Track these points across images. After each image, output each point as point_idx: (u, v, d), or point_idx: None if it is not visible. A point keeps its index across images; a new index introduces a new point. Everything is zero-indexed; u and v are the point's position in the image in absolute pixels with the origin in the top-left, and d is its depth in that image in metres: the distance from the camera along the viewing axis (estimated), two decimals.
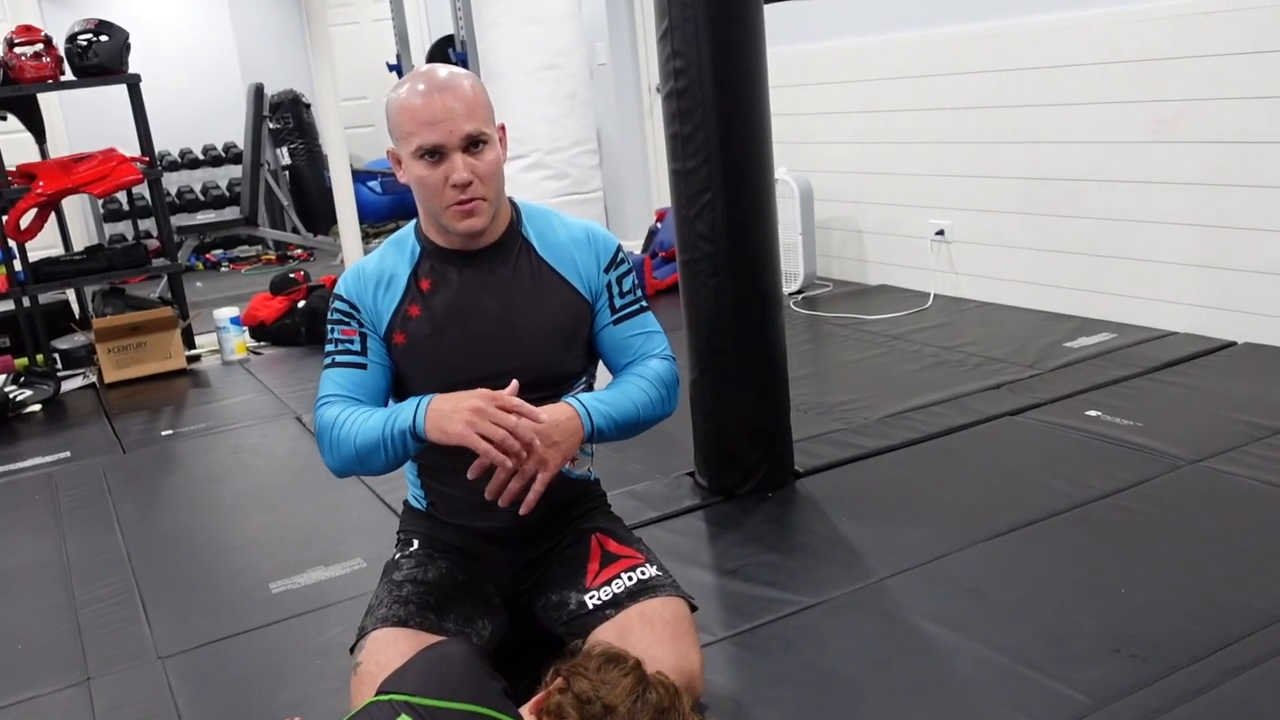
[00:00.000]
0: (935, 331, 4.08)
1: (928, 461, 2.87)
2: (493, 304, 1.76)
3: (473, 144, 1.65)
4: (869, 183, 4.84)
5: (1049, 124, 3.96)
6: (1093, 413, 3.05)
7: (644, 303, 1.90)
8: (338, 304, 1.78)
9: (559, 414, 1.70)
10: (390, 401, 1.82)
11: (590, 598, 1.79)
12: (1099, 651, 1.92)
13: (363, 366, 1.75)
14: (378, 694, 1.39)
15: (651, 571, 1.85)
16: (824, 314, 4.53)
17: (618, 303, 1.84)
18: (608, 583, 1.81)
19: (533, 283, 1.77)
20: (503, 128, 1.72)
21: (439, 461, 1.84)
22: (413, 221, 1.83)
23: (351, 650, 1.73)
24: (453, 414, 1.58)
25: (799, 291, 4.88)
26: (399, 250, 1.80)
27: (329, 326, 1.79)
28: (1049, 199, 4.04)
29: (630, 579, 1.82)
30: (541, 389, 1.79)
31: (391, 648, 1.64)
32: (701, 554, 2.47)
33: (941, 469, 2.81)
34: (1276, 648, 1.87)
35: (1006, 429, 3.03)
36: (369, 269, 1.79)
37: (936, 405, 3.25)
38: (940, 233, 4.52)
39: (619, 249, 1.86)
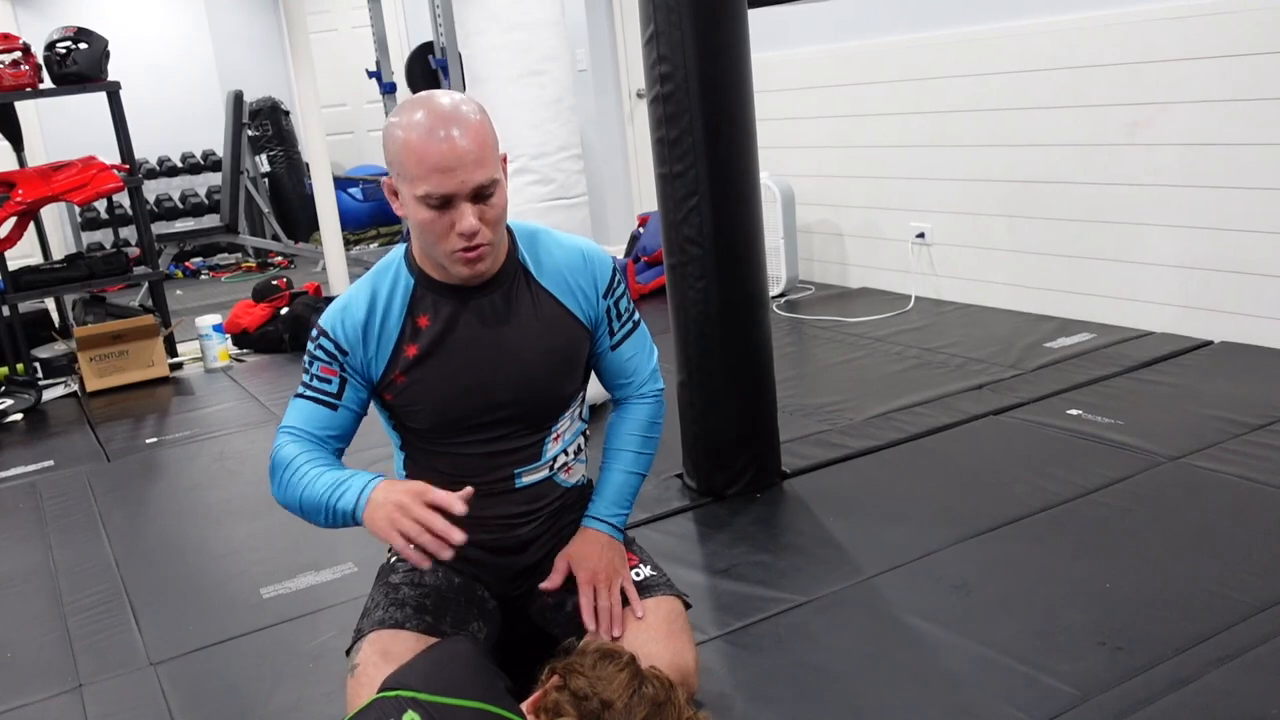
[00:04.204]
0: (917, 333, 4.12)
1: (913, 461, 2.90)
2: (492, 337, 1.71)
3: (482, 190, 1.56)
4: (850, 186, 4.88)
5: (1027, 127, 4.01)
6: (1074, 411, 3.09)
7: (637, 316, 1.89)
8: (324, 341, 1.69)
9: (594, 544, 1.85)
10: (389, 428, 1.83)
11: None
12: (1085, 644, 1.95)
13: (334, 408, 1.70)
14: (382, 690, 1.40)
15: (646, 571, 1.88)
16: (806, 317, 4.56)
17: (616, 326, 1.83)
18: None
19: (532, 312, 1.74)
20: (504, 158, 1.63)
21: (431, 481, 1.84)
22: (400, 248, 1.75)
23: (348, 653, 1.74)
24: (378, 510, 1.54)
25: (781, 295, 4.92)
26: (389, 284, 1.70)
27: (308, 358, 1.71)
28: (1028, 201, 4.10)
29: None
30: (540, 417, 1.80)
31: (389, 650, 1.65)
32: (692, 554, 2.49)
33: (926, 468, 2.84)
34: (1258, 638, 1.91)
35: (989, 428, 3.07)
36: (359, 308, 1.69)
37: (920, 406, 3.29)
38: (921, 235, 4.57)
39: (615, 270, 1.82)
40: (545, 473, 1.84)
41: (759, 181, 2.64)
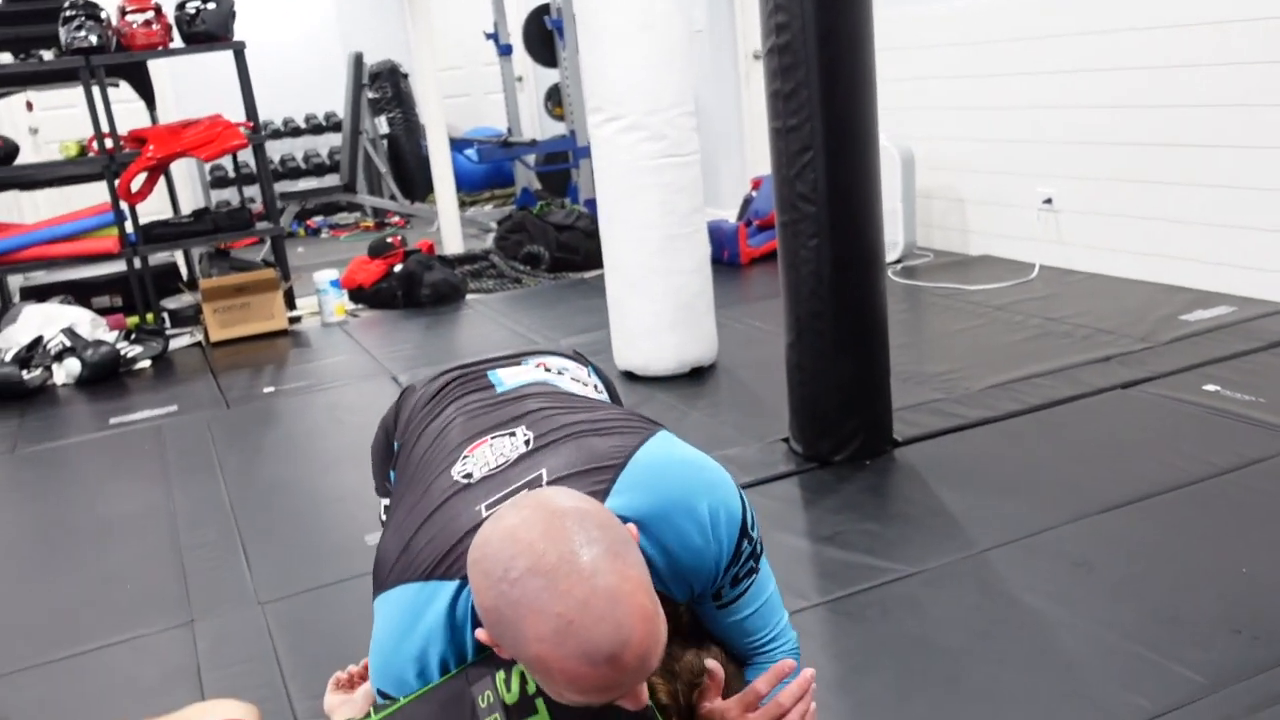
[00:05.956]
0: (1040, 303, 3.94)
1: (1032, 433, 2.77)
2: None
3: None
4: (973, 150, 4.69)
5: (1166, 87, 3.77)
6: (1210, 387, 2.90)
7: (756, 562, 1.38)
8: None
9: None
10: None
11: None
12: (1218, 632, 1.82)
13: None
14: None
15: None
16: (923, 284, 4.41)
17: (726, 595, 1.36)
18: None
19: None
20: (633, 533, 1.19)
21: None
22: (439, 615, 1.25)
23: None
24: None
25: (898, 261, 4.77)
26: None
27: None
28: (1165, 166, 3.86)
29: None
30: None
31: None
32: (795, 520, 2.43)
33: (1047, 441, 2.71)
34: None
35: (1117, 402, 2.91)
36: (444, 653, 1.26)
37: (1041, 377, 3.14)
38: (1048, 201, 4.36)
39: (741, 541, 1.32)
40: None
41: (877, 136, 2.53)
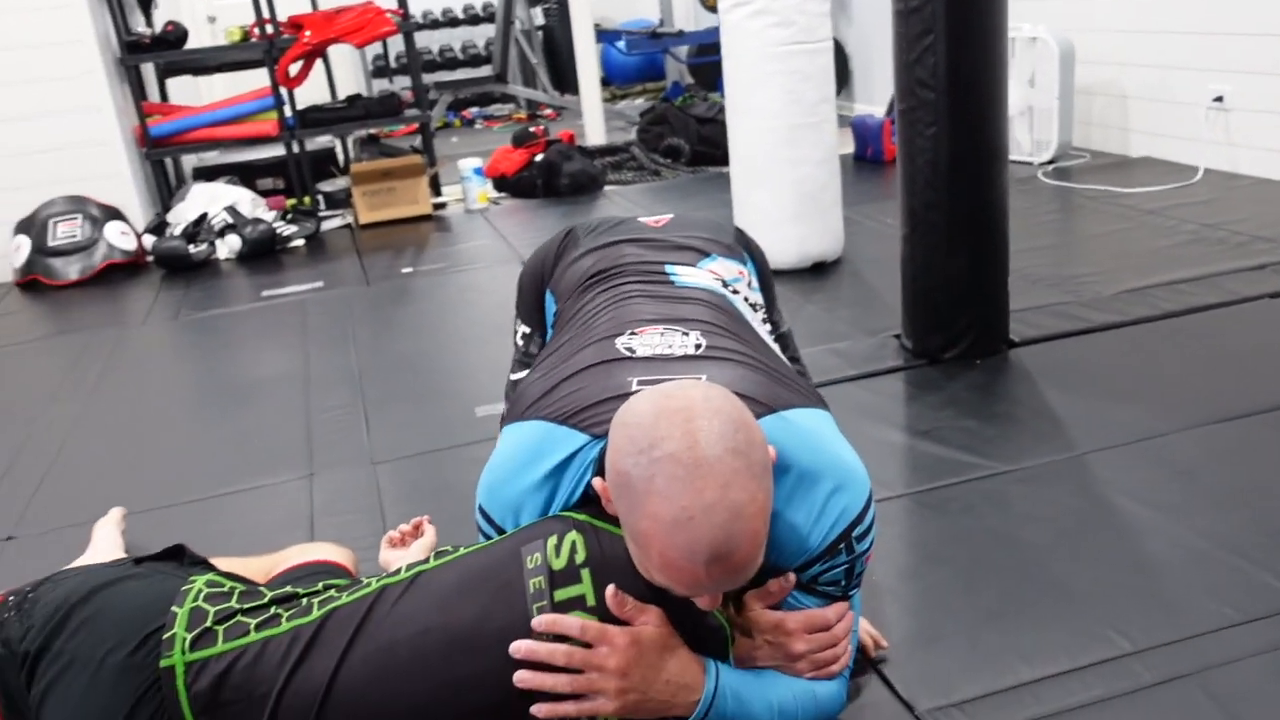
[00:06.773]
0: (1199, 208, 3.70)
1: (1161, 340, 2.64)
2: None
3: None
4: (1138, 42, 4.37)
5: None
6: None
7: (846, 596, 1.39)
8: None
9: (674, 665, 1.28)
10: None
11: None
12: None
13: None
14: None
15: None
16: (1076, 185, 4.19)
17: (804, 579, 1.35)
18: None
19: None
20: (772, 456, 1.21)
21: None
22: (586, 463, 1.31)
23: None
24: None
25: (1051, 161, 4.53)
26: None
27: None
28: None
29: None
30: None
31: None
32: (895, 414, 2.41)
33: (1174, 348, 2.58)
34: None
35: (1261, 312, 2.74)
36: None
37: (1184, 283, 2.97)
38: (1219, 99, 4.04)
39: (839, 544, 1.31)
40: None
41: (1005, 20, 2.40)
